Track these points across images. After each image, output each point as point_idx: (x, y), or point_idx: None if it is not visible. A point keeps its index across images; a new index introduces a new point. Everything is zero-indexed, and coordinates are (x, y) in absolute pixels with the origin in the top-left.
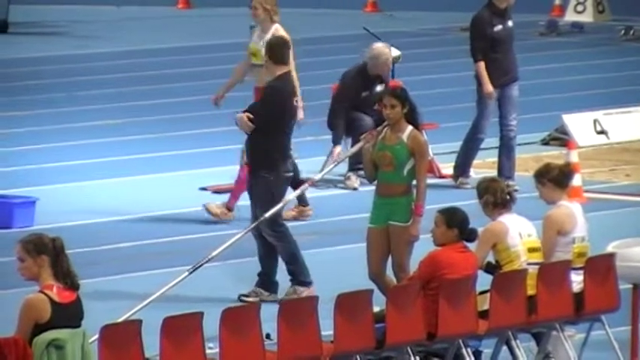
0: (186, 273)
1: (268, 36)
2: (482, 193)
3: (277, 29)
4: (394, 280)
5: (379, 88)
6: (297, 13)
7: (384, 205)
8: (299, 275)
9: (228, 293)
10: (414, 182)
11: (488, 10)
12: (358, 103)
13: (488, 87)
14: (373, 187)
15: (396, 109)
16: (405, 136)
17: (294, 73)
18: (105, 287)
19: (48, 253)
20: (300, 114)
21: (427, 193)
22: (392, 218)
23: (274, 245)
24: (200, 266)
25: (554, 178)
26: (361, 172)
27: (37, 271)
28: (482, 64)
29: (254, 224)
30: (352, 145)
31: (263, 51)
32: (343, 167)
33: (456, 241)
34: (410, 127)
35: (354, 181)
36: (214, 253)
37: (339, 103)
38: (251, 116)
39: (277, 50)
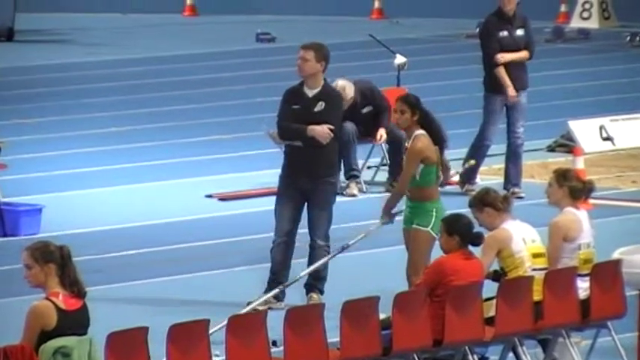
0: (336, 252)
1: None
2: (482, 207)
3: None
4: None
5: (368, 109)
6: (303, 20)
7: (410, 207)
8: (325, 282)
9: (235, 300)
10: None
11: (495, 16)
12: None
13: (511, 90)
14: (375, 195)
15: (405, 115)
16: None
17: None
18: (111, 294)
19: (55, 261)
20: None
21: None
22: (415, 221)
23: (290, 255)
24: (346, 248)
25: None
26: (359, 179)
27: (44, 279)
28: (501, 69)
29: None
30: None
31: None
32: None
33: (460, 248)
34: (416, 132)
35: (353, 187)
36: (353, 241)
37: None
38: (332, 127)
39: (329, 57)
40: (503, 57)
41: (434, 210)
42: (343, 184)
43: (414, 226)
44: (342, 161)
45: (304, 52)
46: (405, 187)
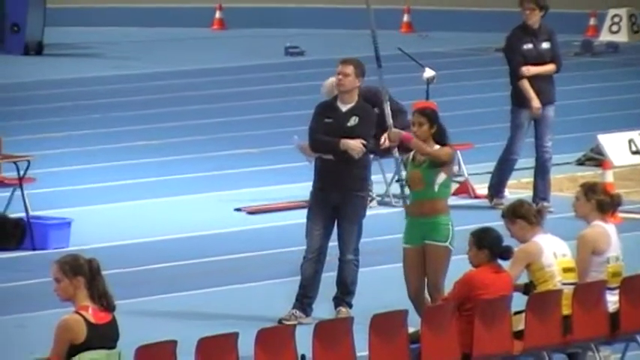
0: None
1: None
2: (514, 219)
3: None
4: (430, 300)
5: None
6: (332, 34)
7: (418, 224)
8: (353, 296)
9: (264, 313)
10: (449, 201)
11: (520, 29)
12: None
13: (535, 102)
14: (401, 208)
15: (423, 128)
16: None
17: None
18: (140, 308)
19: (84, 274)
20: None
21: (462, 214)
22: (428, 237)
23: (321, 270)
24: None
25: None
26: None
27: (73, 292)
28: (525, 81)
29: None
30: None
31: None
32: None
33: (489, 262)
34: (438, 146)
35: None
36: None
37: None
38: (365, 142)
39: (365, 73)
40: (529, 70)
41: (449, 224)
42: None
43: (430, 242)
44: None
45: (344, 67)
46: (427, 152)
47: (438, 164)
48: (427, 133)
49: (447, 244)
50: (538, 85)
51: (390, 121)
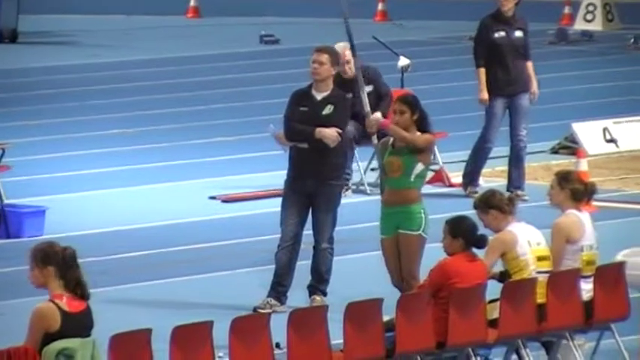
0: None
1: None
2: (487, 209)
3: None
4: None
5: (369, 88)
6: (307, 22)
7: (392, 214)
8: (328, 284)
9: (239, 302)
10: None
11: (492, 16)
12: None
13: (483, 94)
14: (379, 197)
15: (405, 116)
16: None
17: None
18: (115, 296)
19: (55, 264)
20: None
21: (436, 203)
22: (401, 226)
23: (295, 258)
24: None
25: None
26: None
27: (44, 281)
28: (481, 70)
29: None
30: None
31: None
32: None
33: (464, 250)
34: (419, 133)
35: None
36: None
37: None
38: (340, 131)
39: (340, 61)
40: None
41: (421, 212)
42: None
43: (403, 231)
44: None
45: (319, 56)
46: (404, 137)
47: (416, 151)
48: (409, 121)
49: (420, 232)
50: (514, 74)
51: (367, 108)
